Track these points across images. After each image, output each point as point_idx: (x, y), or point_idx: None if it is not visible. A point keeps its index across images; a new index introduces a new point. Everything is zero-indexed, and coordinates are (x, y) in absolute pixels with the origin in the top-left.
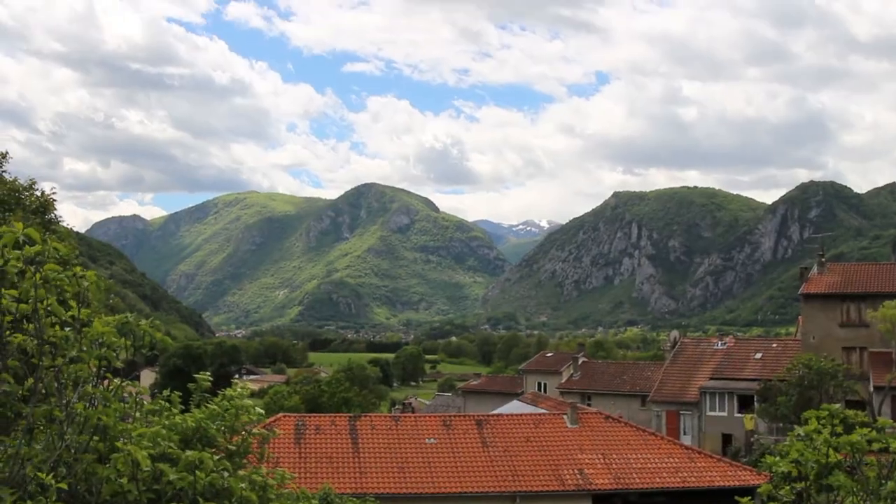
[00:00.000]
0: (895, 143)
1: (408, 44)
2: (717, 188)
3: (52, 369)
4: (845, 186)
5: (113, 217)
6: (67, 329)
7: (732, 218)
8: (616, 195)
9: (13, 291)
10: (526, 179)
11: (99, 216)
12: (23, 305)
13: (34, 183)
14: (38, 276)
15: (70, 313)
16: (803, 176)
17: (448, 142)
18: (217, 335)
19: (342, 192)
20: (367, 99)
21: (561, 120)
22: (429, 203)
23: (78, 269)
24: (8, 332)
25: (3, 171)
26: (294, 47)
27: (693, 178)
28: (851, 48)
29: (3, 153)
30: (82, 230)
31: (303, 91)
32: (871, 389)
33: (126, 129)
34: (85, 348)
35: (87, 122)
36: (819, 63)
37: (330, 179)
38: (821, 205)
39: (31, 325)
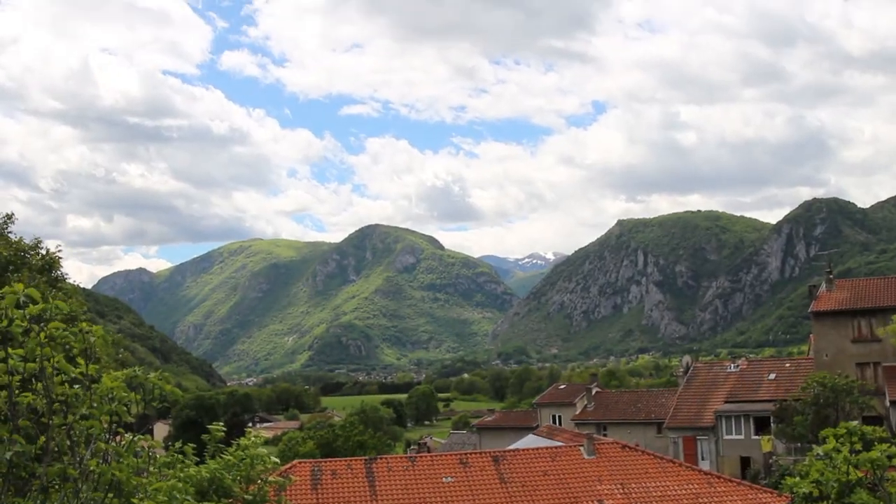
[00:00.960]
0: None
1: (403, 84)
2: (720, 211)
3: (63, 427)
4: (849, 202)
5: (118, 271)
6: (77, 386)
7: (738, 240)
8: (620, 223)
9: (20, 351)
10: (529, 213)
11: (104, 271)
12: (30, 364)
13: (39, 241)
14: (42, 334)
15: (79, 370)
16: (806, 194)
17: (449, 179)
18: (228, 384)
19: (346, 235)
20: (365, 140)
21: (561, 151)
22: (433, 241)
23: (84, 324)
24: (17, 393)
25: (8, 232)
26: (290, 93)
27: (696, 201)
28: (846, 63)
29: (8, 215)
30: (89, 286)
31: (301, 136)
32: (888, 404)
33: (127, 182)
34: (95, 404)
35: (89, 177)
36: (814, 80)
37: (333, 223)
38: (825, 222)
39: (39, 385)
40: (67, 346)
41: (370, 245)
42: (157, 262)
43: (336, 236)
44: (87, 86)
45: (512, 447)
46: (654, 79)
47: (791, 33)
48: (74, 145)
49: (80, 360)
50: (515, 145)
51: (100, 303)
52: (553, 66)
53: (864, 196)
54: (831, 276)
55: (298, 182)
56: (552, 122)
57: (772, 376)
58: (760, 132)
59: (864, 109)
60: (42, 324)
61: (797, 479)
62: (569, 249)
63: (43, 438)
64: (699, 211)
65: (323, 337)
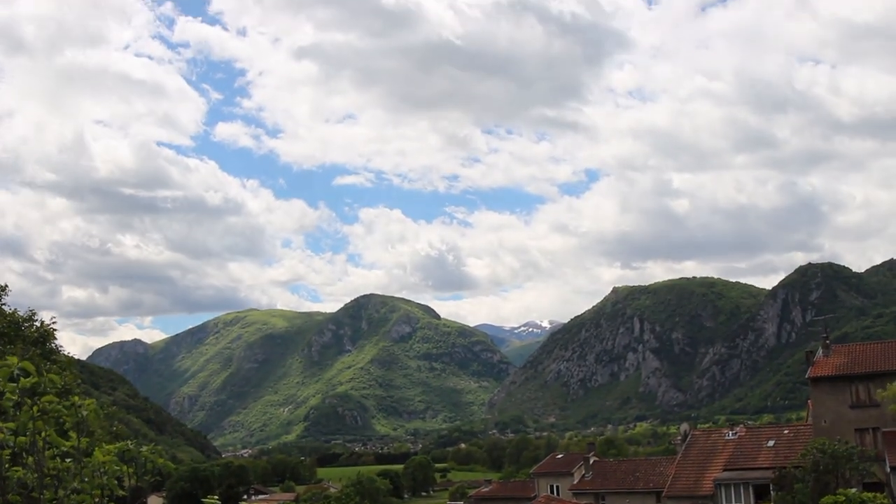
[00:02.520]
0: (889, 220)
1: (396, 154)
2: (715, 277)
3: (54, 502)
4: (844, 267)
5: (113, 343)
6: (68, 460)
7: (734, 306)
8: (615, 291)
9: (11, 424)
10: (524, 281)
11: (99, 342)
12: (21, 438)
13: (34, 313)
14: (35, 408)
15: (70, 444)
16: (800, 259)
17: (443, 248)
18: (223, 456)
19: (342, 305)
20: (359, 210)
21: (555, 219)
22: (429, 310)
23: (76, 398)
24: (7, 467)
25: (2, 304)
26: (284, 163)
27: (691, 268)
28: (836, 129)
29: (2, 286)
30: (83, 357)
31: (296, 206)
32: (888, 470)
33: (122, 253)
34: (87, 479)
35: (83, 248)
36: (805, 146)
37: (329, 293)
38: (821, 287)
39: (30, 458)
40: (60, 420)
41: (366, 315)
42: (152, 333)
43: (331, 306)
44: (81, 158)
45: None
46: (647, 146)
47: (781, 100)
48: (69, 216)
49: (72, 434)
50: (509, 214)
51: (94, 374)
52: (545, 135)
53: (858, 260)
54: (828, 342)
55: (293, 252)
56: (545, 190)
57: (771, 443)
58: (753, 198)
59: (855, 174)
60: (35, 397)
61: None
62: (565, 317)
63: None
64: (694, 277)
65: (319, 407)
